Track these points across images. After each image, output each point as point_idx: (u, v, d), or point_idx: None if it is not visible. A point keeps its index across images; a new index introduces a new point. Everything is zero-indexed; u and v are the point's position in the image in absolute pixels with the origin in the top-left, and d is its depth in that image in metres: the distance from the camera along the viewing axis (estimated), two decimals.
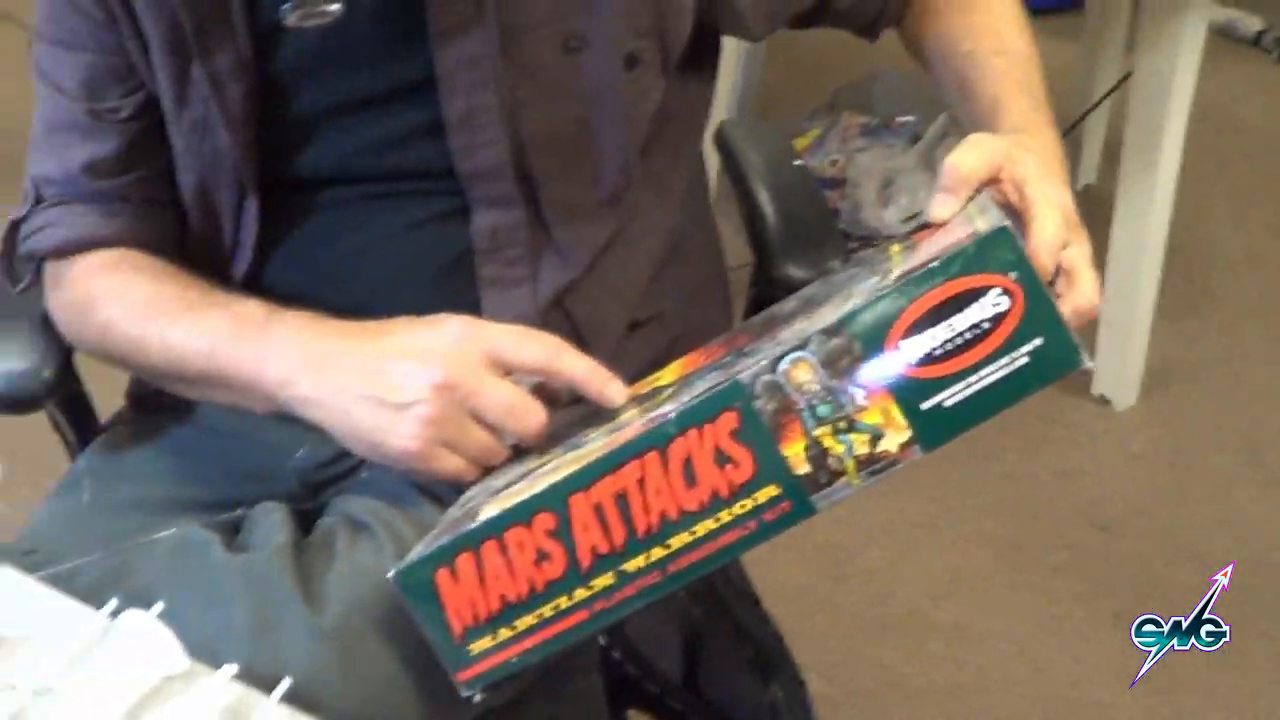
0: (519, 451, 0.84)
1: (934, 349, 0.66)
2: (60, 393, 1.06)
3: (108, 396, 1.12)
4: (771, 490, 0.68)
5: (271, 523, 0.90)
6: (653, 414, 0.74)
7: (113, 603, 0.74)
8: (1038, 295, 0.66)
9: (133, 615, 0.73)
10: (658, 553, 0.69)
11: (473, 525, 0.71)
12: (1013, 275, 0.65)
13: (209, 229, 0.99)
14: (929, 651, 1.73)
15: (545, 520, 0.70)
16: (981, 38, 1.00)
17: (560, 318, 0.99)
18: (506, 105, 0.92)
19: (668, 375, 0.86)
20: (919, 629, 1.76)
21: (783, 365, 0.66)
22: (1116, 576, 1.83)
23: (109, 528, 0.94)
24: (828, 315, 0.71)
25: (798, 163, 1.20)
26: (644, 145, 1.01)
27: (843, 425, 0.66)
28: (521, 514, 0.70)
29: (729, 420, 0.67)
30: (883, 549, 1.86)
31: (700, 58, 1.02)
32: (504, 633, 0.72)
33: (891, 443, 0.67)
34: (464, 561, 0.71)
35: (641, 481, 0.68)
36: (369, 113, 0.94)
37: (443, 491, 0.91)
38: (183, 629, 0.72)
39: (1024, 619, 1.77)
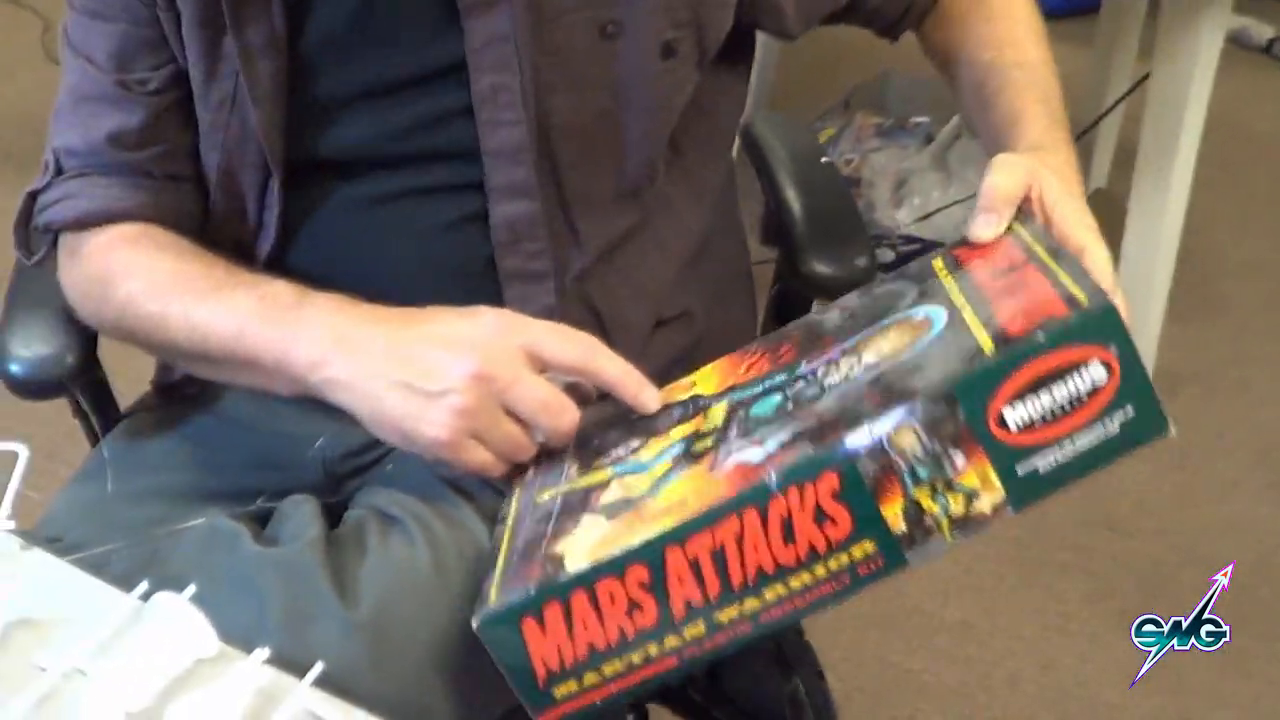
0: (548, 454, 0.84)
1: (1033, 417, 0.67)
2: (82, 379, 1.06)
3: (128, 384, 1.12)
4: (867, 547, 0.68)
5: (302, 515, 0.89)
6: (723, 452, 0.74)
7: (143, 585, 0.75)
8: (1134, 367, 0.67)
9: (164, 598, 0.73)
10: (751, 604, 0.70)
11: (562, 577, 0.71)
12: (1113, 349, 0.67)
13: (233, 208, 0.99)
14: (936, 649, 1.73)
15: (639, 573, 0.69)
16: (1003, 48, 1.01)
17: (585, 312, 0.99)
18: (534, 87, 0.92)
19: (705, 383, 0.85)
20: (926, 627, 1.76)
21: (888, 429, 0.68)
22: (1124, 577, 1.83)
23: (131, 516, 0.94)
24: (896, 352, 0.73)
25: (824, 159, 1.20)
26: (678, 142, 1.00)
27: (941, 486, 0.68)
28: (615, 567, 0.70)
29: (831, 481, 0.68)
30: None
31: (735, 54, 1.02)
32: (590, 678, 0.71)
33: (985, 504, 0.68)
34: (552, 611, 0.71)
35: (740, 537, 0.69)
36: (400, 96, 0.94)
37: (472, 487, 0.91)
38: (214, 619, 0.72)
39: (1031, 618, 1.78)
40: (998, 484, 0.67)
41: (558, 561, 0.72)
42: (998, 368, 0.67)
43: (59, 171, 0.98)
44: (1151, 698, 1.66)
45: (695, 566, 0.69)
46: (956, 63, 1.04)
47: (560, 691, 0.72)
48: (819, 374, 0.77)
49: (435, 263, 0.97)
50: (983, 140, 0.99)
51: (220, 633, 0.72)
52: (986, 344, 0.69)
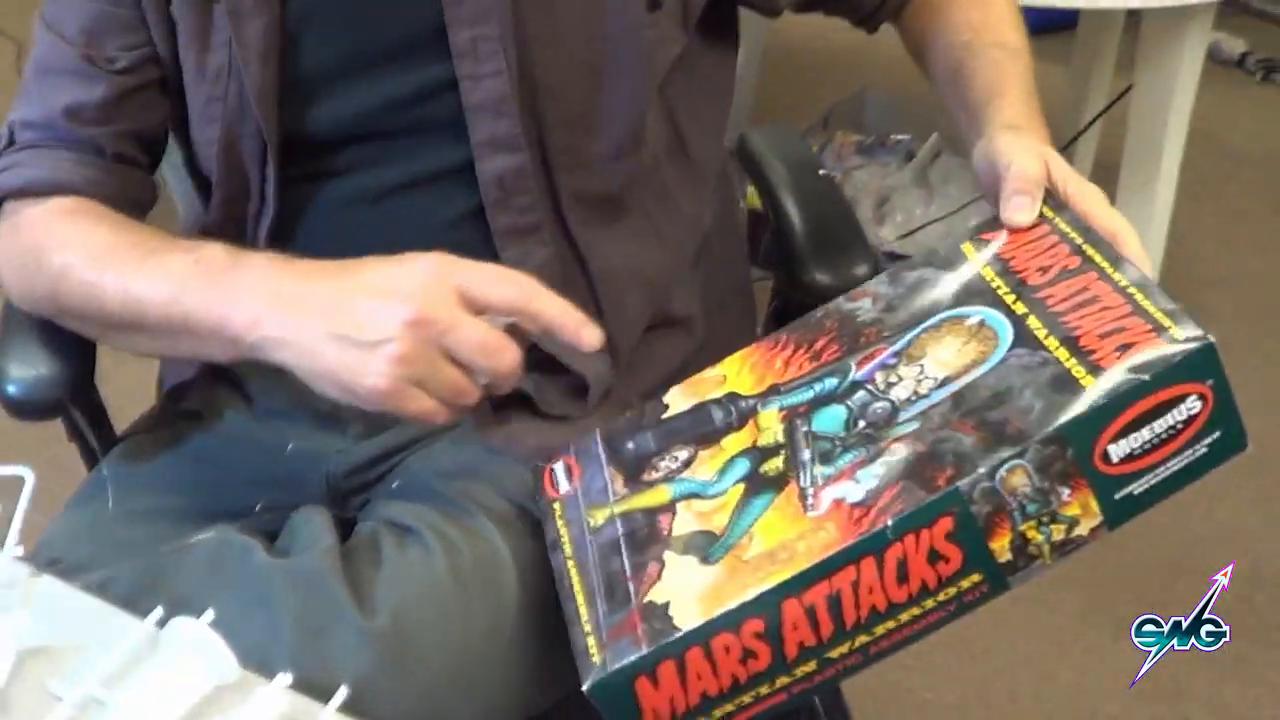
0: (579, 456, 0.82)
1: (1134, 450, 0.70)
2: (80, 401, 1.04)
3: (125, 406, 1.11)
4: (975, 578, 0.71)
5: (314, 526, 0.88)
6: (806, 480, 0.75)
7: (158, 611, 0.73)
8: (1226, 397, 0.71)
9: (181, 623, 0.71)
10: (862, 639, 0.71)
11: (675, 635, 0.70)
12: (1209, 383, 0.70)
13: (237, 185, 0.98)
14: (933, 667, 1.73)
15: (754, 625, 0.70)
16: (981, 31, 1.02)
17: (586, 298, 0.98)
18: (518, 40, 0.92)
19: (737, 379, 0.85)
20: (923, 644, 1.74)
21: (1000, 472, 0.69)
22: (1118, 588, 1.83)
23: (132, 536, 0.93)
24: (966, 367, 0.75)
25: (822, 172, 1.20)
26: (674, 122, 1.01)
27: (1046, 519, 0.70)
28: (730, 621, 0.70)
29: (945, 525, 0.69)
30: None
31: (721, 28, 1.03)
32: None
33: (1085, 528, 0.71)
34: (666, 668, 0.70)
35: (855, 582, 0.70)
36: (387, 66, 0.94)
37: (486, 498, 0.90)
38: (227, 634, 0.71)
39: (1027, 632, 1.77)
40: (1097, 510, 0.70)
41: (662, 614, 0.72)
42: (1106, 409, 0.69)
43: (10, 143, 0.98)
44: (1150, 705, 1.66)
45: (811, 613, 0.70)
46: (933, 46, 1.05)
47: None
48: (879, 384, 0.77)
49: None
50: (959, 118, 0.99)
51: (234, 647, 0.70)
52: (1084, 378, 0.71)
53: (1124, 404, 0.69)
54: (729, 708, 0.71)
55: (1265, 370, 2.25)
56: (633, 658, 0.71)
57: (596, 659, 0.72)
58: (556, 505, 0.83)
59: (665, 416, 0.85)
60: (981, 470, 0.69)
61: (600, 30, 0.94)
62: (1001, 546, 0.70)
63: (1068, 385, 0.71)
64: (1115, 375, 0.70)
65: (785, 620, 0.70)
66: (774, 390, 0.82)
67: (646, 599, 0.73)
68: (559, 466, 0.85)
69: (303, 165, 0.98)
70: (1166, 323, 0.72)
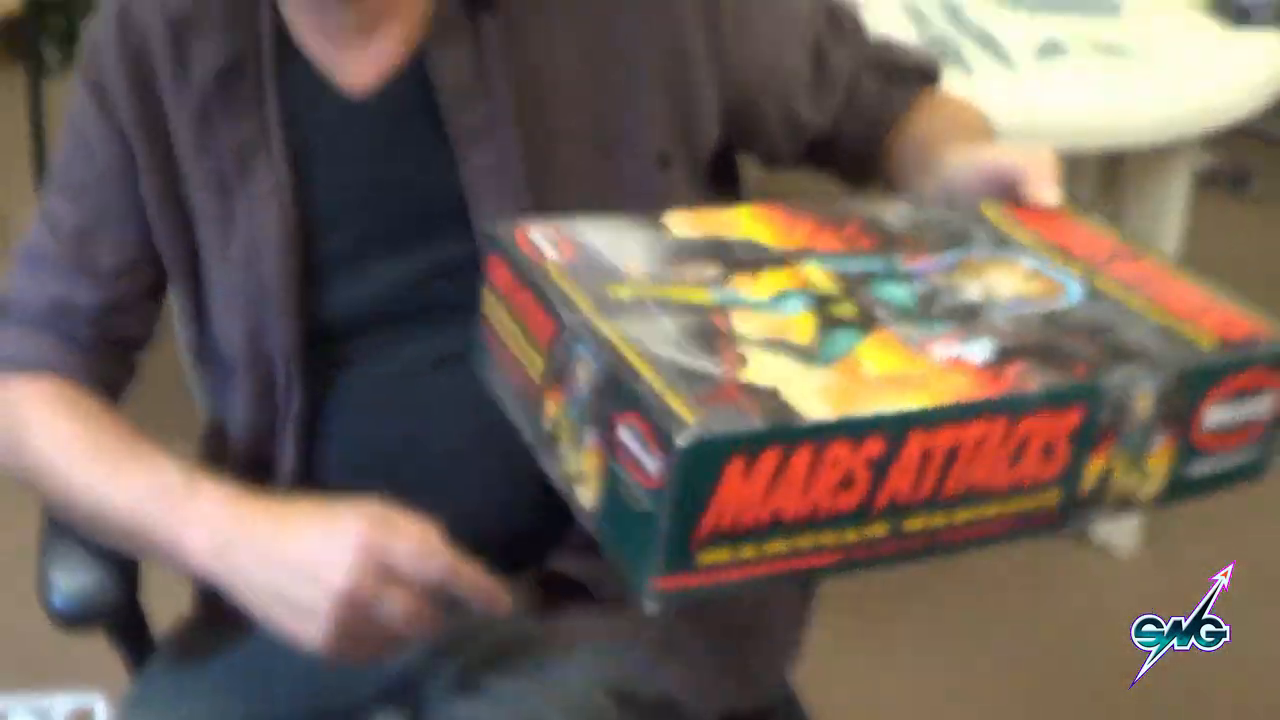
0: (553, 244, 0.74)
1: (1222, 422, 0.69)
2: (121, 611, 1.03)
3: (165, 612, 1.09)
4: (1055, 496, 0.66)
5: None
6: (900, 333, 0.68)
7: None
8: None
9: None
10: (939, 520, 0.64)
11: (799, 422, 0.60)
12: None
13: (262, 373, 0.99)
14: None
15: (875, 445, 0.61)
16: (951, 124, 1.04)
17: None
18: (538, 211, 0.92)
19: (755, 230, 0.78)
20: None
21: (1134, 390, 0.66)
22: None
23: None
24: (1037, 297, 0.72)
25: None
26: None
27: (1133, 461, 0.68)
28: (856, 430, 0.61)
29: (1074, 418, 0.65)
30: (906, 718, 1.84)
31: (724, 179, 1.05)
32: (747, 552, 0.61)
33: (1146, 491, 0.68)
34: (768, 458, 0.59)
35: (980, 443, 0.63)
36: (409, 247, 0.96)
37: (554, 694, 0.89)
38: None
39: None
40: (1164, 476, 0.68)
41: (773, 397, 0.61)
42: (1230, 365, 0.68)
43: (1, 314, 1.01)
44: None
45: (925, 459, 0.63)
46: (905, 152, 1.04)
47: (707, 558, 0.60)
48: (941, 284, 0.73)
49: (470, 441, 0.97)
50: (924, 185, 0.97)
51: None
52: (1198, 337, 0.69)
53: (1242, 367, 0.68)
54: (781, 546, 0.62)
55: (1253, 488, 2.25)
56: (743, 427, 0.59)
57: (691, 418, 0.59)
58: (549, 267, 0.71)
59: (673, 236, 0.76)
60: (1118, 376, 0.66)
61: (614, 191, 0.96)
62: (1092, 472, 0.66)
63: (1178, 338, 0.69)
64: (1235, 342, 0.69)
65: (903, 455, 0.62)
66: (807, 251, 0.75)
67: (741, 379, 0.63)
68: (537, 234, 0.74)
69: (327, 351, 0.98)
70: (1257, 317, 0.71)
